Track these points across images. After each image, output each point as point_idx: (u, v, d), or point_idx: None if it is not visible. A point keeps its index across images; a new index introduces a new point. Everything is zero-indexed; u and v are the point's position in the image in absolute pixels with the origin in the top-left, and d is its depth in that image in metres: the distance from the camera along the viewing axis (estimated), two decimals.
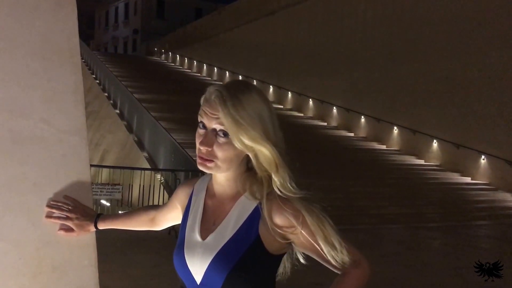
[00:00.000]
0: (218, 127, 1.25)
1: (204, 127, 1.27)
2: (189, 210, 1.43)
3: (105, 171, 10.51)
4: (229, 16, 26.91)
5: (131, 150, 14.21)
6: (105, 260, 6.17)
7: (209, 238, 1.31)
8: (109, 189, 8.43)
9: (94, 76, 23.03)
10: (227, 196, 1.35)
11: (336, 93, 18.94)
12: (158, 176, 10.47)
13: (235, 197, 1.34)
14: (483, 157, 13.61)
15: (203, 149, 1.27)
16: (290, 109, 21.34)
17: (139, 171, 9.78)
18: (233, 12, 26.56)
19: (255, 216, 1.29)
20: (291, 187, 1.31)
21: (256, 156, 1.28)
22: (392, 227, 9.51)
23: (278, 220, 1.27)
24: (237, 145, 1.25)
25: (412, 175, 13.53)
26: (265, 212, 1.28)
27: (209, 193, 1.41)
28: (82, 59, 26.20)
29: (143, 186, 9.23)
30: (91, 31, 51.19)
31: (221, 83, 1.34)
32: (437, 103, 14.82)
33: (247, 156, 1.30)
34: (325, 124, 19.33)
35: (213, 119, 1.25)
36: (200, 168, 1.29)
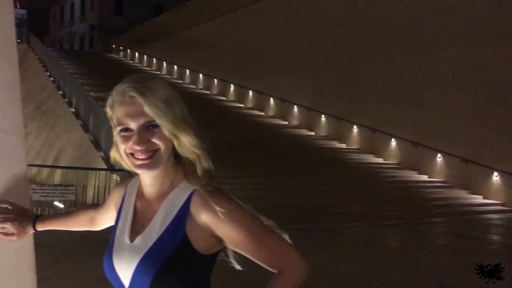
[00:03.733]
0: (146, 120, 1.22)
1: (128, 129, 1.23)
2: (121, 212, 1.39)
3: (59, 172, 10.15)
4: (190, 13, 26.59)
5: (87, 150, 13.78)
6: (58, 265, 5.92)
7: (136, 240, 1.28)
8: (62, 190, 8.12)
9: (48, 73, 22.29)
10: (155, 196, 1.31)
11: (297, 92, 19.00)
12: (114, 176, 10.18)
13: (163, 196, 1.30)
14: (439, 155, 13.93)
15: (141, 147, 1.23)
16: (251, 108, 21.28)
17: (94, 172, 9.48)
18: (194, 9, 26.26)
19: (182, 215, 1.25)
20: (213, 177, 1.29)
21: (181, 142, 1.26)
22: (352, 225, 9.58)
23: (206, 216, 1.24)
24: (167, 132, 1.23)
25: (371, 174, 13.70)
26: (192, 208, 1.25)
27: (140, 194, 1.37)
28: (36, 56, 25.46)
29: (98, 186, 8.95)
30: (46, 27, 49.65)
31: (123, 82, 1.27)
32: (396, 102, 15.07)
33: (173, 149, 1.28)
34: (286, 123, 19.37)
35: (138, 116, 1.22)
36: (142, 169, 1.26)
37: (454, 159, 13.43)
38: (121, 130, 1.24)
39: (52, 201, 8.91)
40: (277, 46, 20.08)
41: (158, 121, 1.22)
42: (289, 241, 1.31)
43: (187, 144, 1.26)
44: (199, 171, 1.27)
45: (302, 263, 1.28)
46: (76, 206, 9.24)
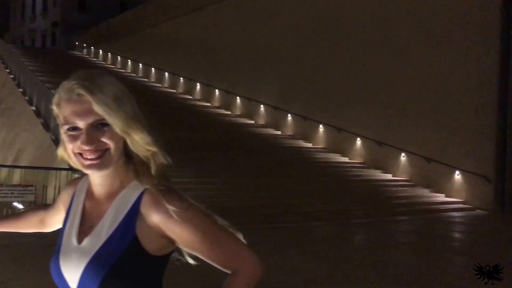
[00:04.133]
0: (95, 119, 1.18)
1: (76, 128, 1.19)
2: (69, 212, 1.35)
3: (18, 172, 9.83)
4: (156, 10, 26.23)
5: (48, 149, 13.40)
6: (16, 267, 5.70)
7: (84, 242, 1.23)
8: (21, 190, 7.86)
9: (8, 70, 21.61)
10: (105, 196, 1.27)
11: (264, 91, 19.00)
12: (76, 175, 9.92)
13: (112, 196, 1.26)
14: (403, 154, 14.17)
15: (90, 147, 1.19)
16: (218, 107, 21.19)
17: (55, 171, 9.21)
18: (160, 7, 25.92)
19: (132, 215, 1.21)
20: (166, 176, 1.26)
21: (133, 140, 1.22)
22: (318, 224, 9.63)
23: (157, 216, 1.20)
24: (118, 131, 1.19)
25: (337, 173, 13.83)
26: (142, 208, 1.21)
27: (89, 194, 1.33)
28: None
29: (59, 186, 8.71)
30: (6, 23, 48.17)
31: (70, 79, 1.22)
32: (362, 102, 15.25)
33: (124, 147, 1.24)
34: (253, 122, 19.35)
35: (86, 114, 1.18)
36: (91, 170, 1.22)
37: (417, 158, 13.69)
38: (68, 129, 1.20)
39: (11, 202, 8.62)
40: (243, 45, 20.05)
41: (109, 119, 1.18)
42: (243, 240, 1.29)
43: (140, 142, 1.22)
44: (153, 170, 1.24)
45: (256, 263, 1.26)
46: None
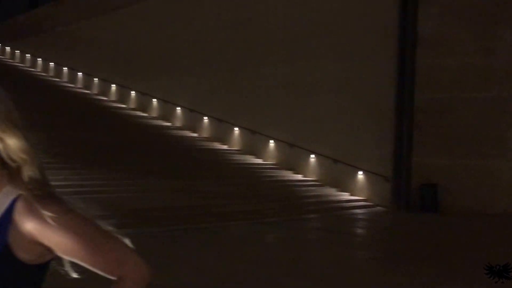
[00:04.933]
0: None
1: None
2: None
3: None
4: (69, 8, 25.31)
5: None
6: None
7: None
8: None
9: None
10: None
11: (180, 94, 19.11)
12: None
13: None
14: (312, 156, 15.00)
15: None
16: (134, 109, 20.98)
17: None
18: (73, 5, 25.06)
19: (4, 223, 1.11)
20: (45, 181, 1.16)
21: (6, 146, 1.12)
22: (233, 224, 9.86)
23: (31, 224, 1.11)
24: None
25: (251, 174, 14.32)
26: (16, 215, 1.12)
27: None
28: None
29: None
30: None
31: None
32: (275, 106, 15.87)
33: None
34: (170, 124, 19.42)
35: None
36: None
37: (325, 159, 14.54)
38: None
39: None
40: (160, 46, 20.03)
41: None
42: (130, 245, 1.23)
43: (14, 147, 1.12)
44: (27, 175, 1.13)
45: (142, 268, 1.21)
46: None
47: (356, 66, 13.99)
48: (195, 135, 18.29)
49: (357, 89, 14.03)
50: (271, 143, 16.06)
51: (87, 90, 23.55)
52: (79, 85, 24.22)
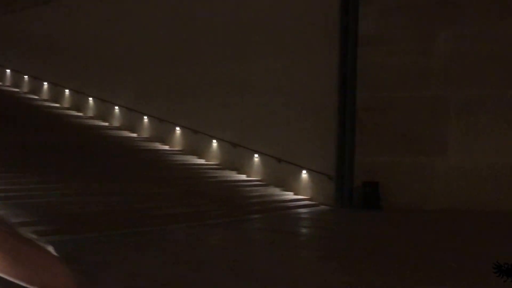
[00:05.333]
0: None
1: None
2: None
3: None
4: None
5: None
6: None
7: None
8: None
9: None
10: None
11: (118, 93, 18.44)
12: None
13: None
14: (256, 155, 14.85)
15: None
16: (68, 108, 20.02)
17: None
18: None
19: None
20: None
21: None
22: (176, 227, 9.62)
23: None
24: None
25: (194, 175, 13.99)
26: None
27: None
28: None
29: None
30: None
31: None
32: (217, 105, 15.61)
33: None
34: (107, 124, 18.67)
35: None
36: None
37: (269, 159, 14.44)
38: None
39: None
40: (96, 43, 19.22)
41: None
42: (53, 253, 1.17)
43: None
44: None
45: (67, 276, 1.16)
46: None
47: (299, 64, 13.99)
48: (134, 135, 17.71)
49: (300, 88, 14.03)
50: (214, 143, 15.79)
51: (17, 88, 22.24)
52: (7, 83, 22.84)
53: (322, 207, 13.30)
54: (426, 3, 13.25)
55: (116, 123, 18.68)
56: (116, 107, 18.63)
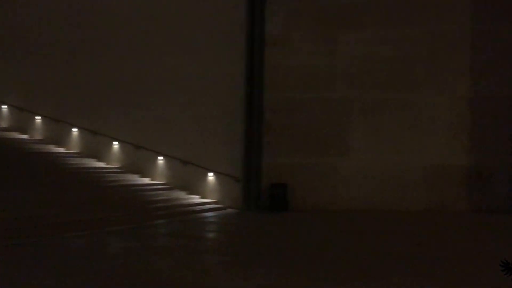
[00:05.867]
0: None
1: None
2: None
3: None
4: None
5: None
6: None
7: None
8: None
9: None
10: None
11: (6, 90, 16.91)
12: None
13: None
14: (160, 157, 14.33)
15: None
16: None
17: None
18: None
19: None
20: None
21: None
22: (73, 235, 8.93)
23: None
24: None
25: (93, 179, 13.21)
26: None
27: None
28: None
29: None
30: None
31: None
32: (118, 105, 14.93)
33: None
34: None
35: None
36: None
37: (174, 161, 14.01)
38: None
39: None
40: None
41: None
42: None
43: None
44: None
45: None
46: None
47: (206, 64, 13.78)
48: (25, 137, 16.34)
49: (206, 88, 13.80)
50: (115, 145, 15.05)
51: None
52: None
53: (229, 210, 13.12)
54: (329, 7, 13.57)
55: (3, 124, 17.11)
56: (4, 106, 17.07)
